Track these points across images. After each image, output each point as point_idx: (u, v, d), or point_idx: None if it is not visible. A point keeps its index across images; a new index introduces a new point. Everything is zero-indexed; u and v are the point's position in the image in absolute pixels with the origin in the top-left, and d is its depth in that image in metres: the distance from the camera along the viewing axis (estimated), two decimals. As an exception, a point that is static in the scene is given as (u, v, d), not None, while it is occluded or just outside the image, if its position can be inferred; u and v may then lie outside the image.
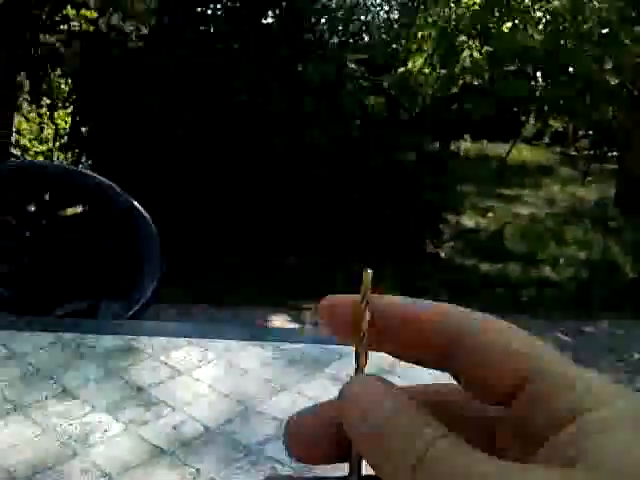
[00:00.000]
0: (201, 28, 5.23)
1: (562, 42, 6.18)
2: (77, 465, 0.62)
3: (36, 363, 0.80)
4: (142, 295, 1.29)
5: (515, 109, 9.42)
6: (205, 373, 0.81)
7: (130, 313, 1.14)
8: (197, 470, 0.63)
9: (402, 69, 6.13)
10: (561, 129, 13.56)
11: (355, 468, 0.22)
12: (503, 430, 0.23)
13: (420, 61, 6.42)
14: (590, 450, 0.19)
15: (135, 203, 1.43)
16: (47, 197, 1.38)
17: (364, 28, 5.92)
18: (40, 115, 7.34)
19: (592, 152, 12.25)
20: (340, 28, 5.73)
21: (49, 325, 0.94)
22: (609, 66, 6.16)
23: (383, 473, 0.20)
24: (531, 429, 0.21)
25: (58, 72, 7.73)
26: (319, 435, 0.23)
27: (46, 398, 0.73)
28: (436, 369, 0.24)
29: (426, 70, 6.34)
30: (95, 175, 1.54)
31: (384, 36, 6.99)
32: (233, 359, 0.84)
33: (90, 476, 0.61)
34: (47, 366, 0.79)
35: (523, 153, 12.99)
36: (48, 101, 7.36)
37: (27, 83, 7.45)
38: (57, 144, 7.08)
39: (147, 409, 0.72)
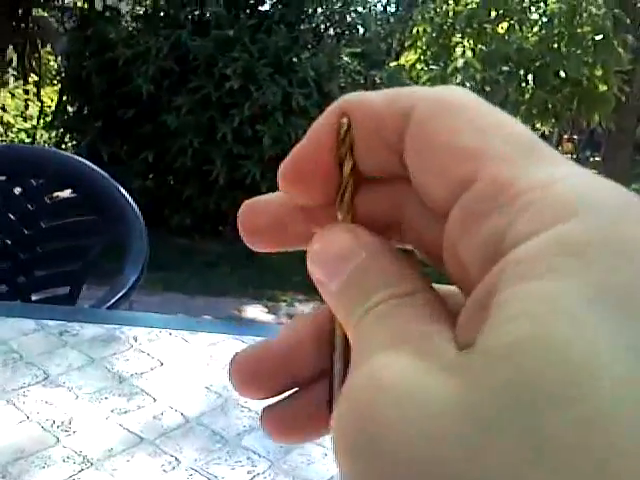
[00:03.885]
0: (196, 12, 5.19)
1: (556, 45, 6.22)
2: (59, 451, 0.64)
3: (19, 349, 0.81)
4: (125, 282, 1.29)
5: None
6: (186, 365, 0.82)
7: (112, 301, 1.15)
8: (176, 459, 0.64)
9: (394, 63, 6.13)
10: (547, 132, 13.67)
11: (340, 346, 0.18)
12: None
13: (413, 57, 6.43)
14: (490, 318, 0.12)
15: (119, 188, 1.43)
16: (33, 181, 1.37)
17: (360, 20, 5.90)
18: (26, 92, 7.22)
19: (576, 156, 12.44)
20: (337, 19, 5.70)
21: (31, 311, 0.94)
22: (599, 72, 6.22)
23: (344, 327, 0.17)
24: (459, 262, 0.15)
25: (48, 48, 7.60)
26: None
27: (29, 384, 0.74)
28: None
29: (418, 66, 6.35)
30: (79, 158, 1.53)
31: (380, 29, 6.96)
32: (214, 352, 0.85)
33: (72, 462, 0.62)
34: (31, 352, 0.80)
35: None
36: (35, 77, 7.24)
37: (15, 58, 7.30)
38: (42, 122, 6.98)
39: (129, 398, 0.73)
